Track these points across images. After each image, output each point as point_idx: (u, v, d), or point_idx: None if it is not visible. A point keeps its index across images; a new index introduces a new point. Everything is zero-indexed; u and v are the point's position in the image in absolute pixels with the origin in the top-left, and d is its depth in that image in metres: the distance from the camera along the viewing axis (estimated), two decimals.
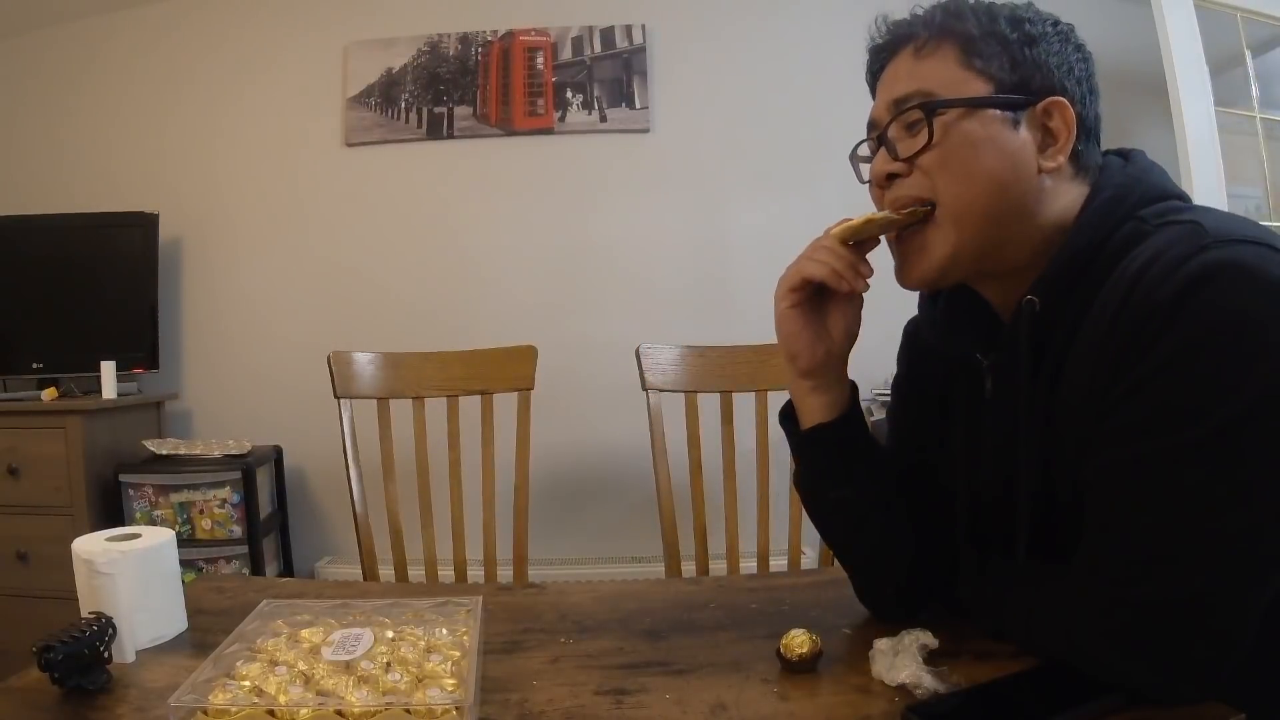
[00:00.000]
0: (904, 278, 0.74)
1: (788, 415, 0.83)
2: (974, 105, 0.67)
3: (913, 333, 0.89)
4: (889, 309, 0.88)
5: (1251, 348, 0.55)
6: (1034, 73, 0.67)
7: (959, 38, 0.68)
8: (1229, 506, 0.56)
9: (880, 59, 0.74)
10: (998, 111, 0.67)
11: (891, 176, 0.71)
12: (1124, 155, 0.73)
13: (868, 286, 0.76)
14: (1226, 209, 1.04)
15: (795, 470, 0.85)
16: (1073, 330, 0.66)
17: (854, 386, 0.81)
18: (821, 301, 0.78)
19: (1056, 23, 0.70)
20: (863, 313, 0.79)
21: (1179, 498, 0.57)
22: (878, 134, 0.73)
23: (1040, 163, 0.67)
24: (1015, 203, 0.68)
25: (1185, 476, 0.57)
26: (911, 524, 0.81)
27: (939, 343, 0.80)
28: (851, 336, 0.79)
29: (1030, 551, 0.71)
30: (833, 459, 0.79)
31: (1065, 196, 0.69)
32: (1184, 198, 0.70)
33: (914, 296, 0.83)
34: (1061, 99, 0.67)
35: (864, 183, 0.76)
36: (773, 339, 0.80)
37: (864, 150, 0.77)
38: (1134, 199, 0.67)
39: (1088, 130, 0.69)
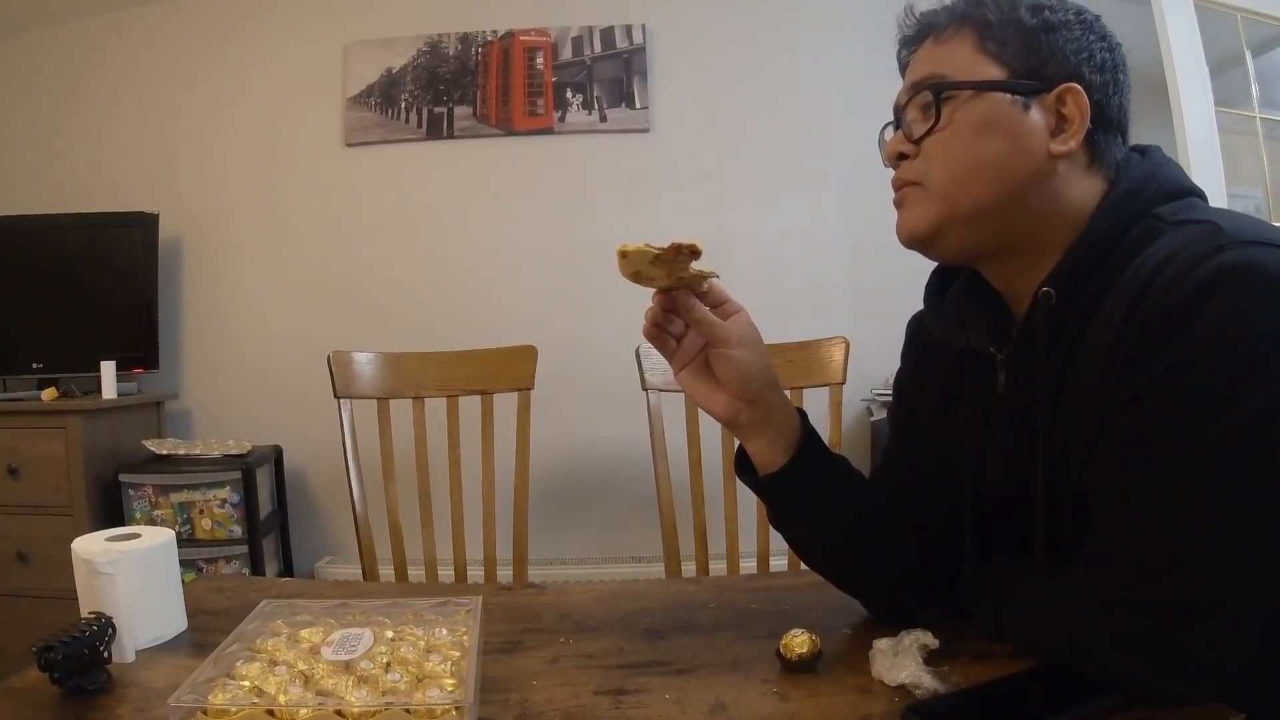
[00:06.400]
0: (898, 233, 0.74)
1: (742, 466, 0.80)
2: (981, 88, 0.67)
3: (916, 328, 0.88)
4: (889, 308, 0.87)
5: (1264, 353, 0.55)
6: (1049, 59, 0.67)
7: (977, 23, 0.69)
8: (1236, 511, 0.56)
9: (908, 49, 0.75)
10: (1007, 96, 0.67)
11: (904, 158, 0.72)
12: (1141, 151, 0.72)
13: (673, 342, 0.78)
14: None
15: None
16: (1083, 325, 0.66)
17: (802, 415, 0.78)
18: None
19: (1081, 11, 0.70)
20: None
21: (1186, 501, 0.57)
22: (898, 117, 0.74)
23: (1051, 146, 0.67)
24: (1019, 184, 0.67)
25: (1194, 480, 0.57)
26: (909, 526, 0.80)
27: (948, 336, 0.79)
28: (742, 378, 0.74)
29: (1043, 550, 0.70)
30: (789, 503, 0.79)
31: (1080, 187, 0.68)
32: (1200, 194, 0.69)
33: (915, 295, 0.82)
34: (1075, 85, 0.66)
35: (889, 166, 0.77)
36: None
37: (890, 134, 0.77)
38: (1149, 194, 0.67)
39: (1109, 121, 0.69)
